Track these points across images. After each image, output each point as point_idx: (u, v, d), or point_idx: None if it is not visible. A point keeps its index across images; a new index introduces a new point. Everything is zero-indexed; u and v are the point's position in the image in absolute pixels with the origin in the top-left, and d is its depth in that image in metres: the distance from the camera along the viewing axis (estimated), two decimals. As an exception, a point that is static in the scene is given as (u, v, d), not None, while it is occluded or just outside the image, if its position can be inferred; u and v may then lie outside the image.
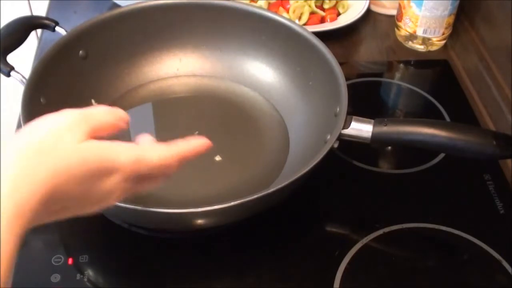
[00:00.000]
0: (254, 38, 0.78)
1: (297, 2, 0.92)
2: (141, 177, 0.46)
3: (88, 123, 0.43)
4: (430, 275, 0.62)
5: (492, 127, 0.79)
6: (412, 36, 0.90)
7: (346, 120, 0.62)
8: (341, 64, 0.68)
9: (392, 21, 0.94)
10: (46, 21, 0.75)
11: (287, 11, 0.92)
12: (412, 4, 0.86)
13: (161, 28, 0.79)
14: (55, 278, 0.60)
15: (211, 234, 0.64)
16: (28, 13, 1.15)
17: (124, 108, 0.76)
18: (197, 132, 0.74)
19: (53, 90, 0.68)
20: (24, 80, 0.66)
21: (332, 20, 0.93)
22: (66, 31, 0.73)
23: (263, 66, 0.79)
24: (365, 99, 0.83)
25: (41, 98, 0.66)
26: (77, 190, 0.41)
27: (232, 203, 0.55)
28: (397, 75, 0.89)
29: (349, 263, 0.62)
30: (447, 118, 0.79)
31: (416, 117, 0.83)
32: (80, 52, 0.73)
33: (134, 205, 0.56)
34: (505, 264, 0.62)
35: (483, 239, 0.64)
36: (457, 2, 0.86)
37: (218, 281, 0.61)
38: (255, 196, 0.56)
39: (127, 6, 0.77)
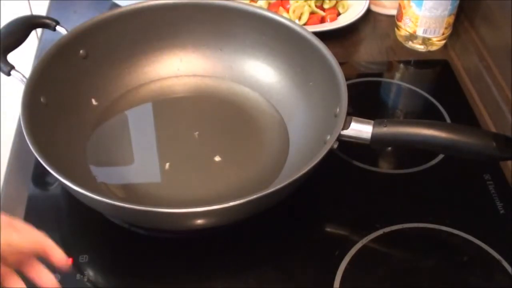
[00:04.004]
0: (254, 38, 0.78)
1: (297, 2, 0.92)
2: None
3: None
4: (430, 275, 0.62)
5: (492, 127, 0.79)
6: (412, 36, 0.90)
7: (346, 120, 0.62)
8: (341, 64, 0.68)
9: (392, 21, 0.94)
10: (47, 21, 0.75)
11: (287, 11, 0.92)
12: (412, 4, 0.86)
13: (162, 28, 0.79)
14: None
15: (211, 234, 0.64)
16: (28, 13, 1.15)
17: (124, 108, 0.77)
18: (197, 132, 0.74)
19: (54, 89, 0.69)
20: (24, 79, 0.66)
21: (332, 20, 0.93)
22: (66, 30, 0.73)
23: (264, 66, 0.79)
24: (365, 99, 0.83)
25: (41, 98, 0.66)
26: None
27: (232, 203, 0.55)
28: (397, 75, 0.89)
29: (349, 263, 0.62)
30: (447, 118, 0.79)
31: (416, 117, 0.83)
32: (81, 51, 0.73)
33: (134, 205, 0.56)
34: (505, 264, 0.62)
35: (483, 239, 0.64)
36: (457, 2, 0.86)
37: (218, 281, 0.61)
38: (255, 196, 0.56)
39: (127, 6, 0.77)
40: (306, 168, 0.58)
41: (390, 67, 0.90)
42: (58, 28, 0.74)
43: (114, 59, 0.77)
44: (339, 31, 0.91)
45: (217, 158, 0.71)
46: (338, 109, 0.64)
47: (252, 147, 0.73)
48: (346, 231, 0.66)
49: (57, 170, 0.57)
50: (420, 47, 0.90)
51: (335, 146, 0.62)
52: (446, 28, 0.88)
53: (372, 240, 0.64)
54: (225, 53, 0.80)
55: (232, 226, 0.63)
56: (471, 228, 0.65)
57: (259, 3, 0.93)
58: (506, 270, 0.62)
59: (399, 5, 0.89)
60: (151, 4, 0.77)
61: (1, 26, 0.72)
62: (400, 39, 0.92)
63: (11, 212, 0.66)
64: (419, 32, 0.88)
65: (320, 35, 0.74)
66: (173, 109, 0.78)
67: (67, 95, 0.71)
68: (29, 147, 0.59)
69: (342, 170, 0.72)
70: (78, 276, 0.60)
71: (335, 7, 0.95)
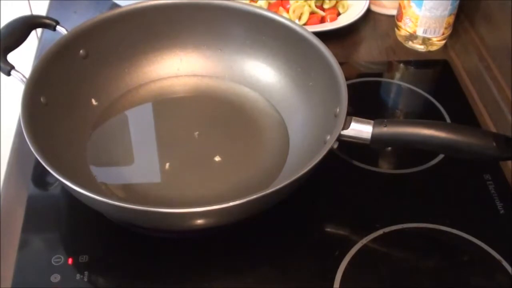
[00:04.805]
0: (254, 38, 0.78)
1: (297, 2, 0.92)
2: None
3: None
4: (430, 275, 0.62)
5: (492, 127, 0.79)
6: (412, 36, 0.90)
7: (346, 120, 0.62)
8: (341, 64, 0.68)
9: (392, 21, 0.94)
10: (47, 21, 0.75)
11: (287, 11, 0.92)
12: (412, 4, 0.86)
13: (162, 28, 0.79)
14: (55, 278, 0.60)
15: (211, 234, 0.64)
16: (28, 13, 1.15)
17: (124, 108, 0.77)
18: (197, 132, 0.74)
19: (54, 89, 0.69)
20: (24, 79, 0.66)
21: (332, 20, 0.93)
22: (66, 30, 0.73)
23: (264, 66, 0.79)
24: (365, 99, 0.83)
25: (41, 98, 0.66)
26: None
27: (232, 203, 0.55)
28: (397, 75, 0.89)
29: (349, 263, 0.62)
30: (447, 118, 0.79)
31: (416, 117, 0.83)
32: (81, 51, 0.73)
33: (134, 205, 0.56)
34: (505, 264, 0.62)
35: (483, 239, 0.64)
36: (457, 2, 0.86)
37: (218, 281, 0.61)
38: (255, 196, 0.56)
39: (127, 6, 0.77)
40: (306, 168, 0.58)
41: (390, 67, 0.90)
42: (58, 28, 0.74)
43: (114, 59, 0.77)
44: (339, 31, 0.91)
45: (217, 158, 0.71)
46: (338, 109, 0.64)
47: (252, 147, 0.73)
48: (346, 231, 0.66)
49: (57, 170, 0.57)
50: (420, 47, 0.90)
51: (335, 146, 0.62)
52: (446, 28, 0.88)
53: (372, 240, 0.64)
54: (225, 53, 0.80)
55: (232, 226, 0.63)
56: (471, 228, 0.65)
57: (259, 3, 0.93)
58: (506, 270, 0.62)
59: (399, 5, 0.90)
60: (151, 4, 0.77)
61: (1, 26, 0.72)
62: (400, 39, 0.92)
63: (11, 212, 0.67)
64: (419, 32, 0.88)
65: (320, 35, 0.74)
66: (173, 109, 0.78)
67: (67, 95, 0.71)
68: (29, 147, 0.59)
69: (342, 170, 0.72)
70: (78, 276, 0.60)
71: (335, 7, 0.95)
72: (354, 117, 0.63)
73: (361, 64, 0.90)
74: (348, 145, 0.63)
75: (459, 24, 0.93)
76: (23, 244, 0.63)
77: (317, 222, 0.67)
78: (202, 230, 0.63)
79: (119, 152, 0.72)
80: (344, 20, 0.93)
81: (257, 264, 0.63)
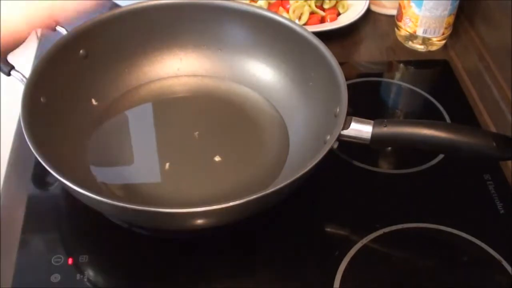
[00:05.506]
0: (254, 38, 0.78)
1: (297, 2, 0.92)
2: None
3: None
4: (430, 275, 0.62)
5: (492, 127, 0.79)
6: (412, 36, 0.90)
7: (346, 120, 0.62)
8: (341, 64, 0.68)
9: (392, 21, 0.94)
10: (47, 21, 0.75)
11: (287, 11, 0.92)
12: (412, 4, 0.86)
13: (161, 28, 0.79)
14: (55, 278, 0.60)
15: (211, 234, 0.64)
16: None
17: (124, 108, 0.77)
18: (197, 132, 0.74)
19: (53, 89, 0.69)
20: (24, 79, 0.66)
21: (332, 20, 0.93)
22: (66, 30, 0.73)
23: (264, 66, 0.79)
24: (365, 99, 0.83)
25: (41, 97, 0.66)
26: None
27: (232, 203, 0.55)
28: (397, 75, 0.89)
29: (349, 263, 0.62)
30: (447, 118, 0.79)
31: (416, 117, 0.83)
32: (81, 51, 0.73)
33: (134, 205, 0.56)
34: (505, 264, 0.62)
35: (483, 239, 0.64)
36: (457, 2, 0.86)
37: (218, 281, 0.61)
38: (254, 196, 0.56)
39: (127, 6, 0.77)
40: (306, 168, 0.58)
41: (390, 67, 0.90)
42: (58, 28, 0.74)
43: (114, 59, 0.77)
44: (339, 31, 0.91)
45: (217, 158, 0.71)
46: (338, 109, 0.64)
47: (252, 147, 0.73)
48: (346, 231, 0.66)
49: (57, 170, 0.57)
50: (420, 47, 0.91)
51: (335, 146, 0.62)
52: (446, 28, 0.88)
53: (372, 240, 0.64)
54: (225, 53, 0.80)
55: (232, 226, 0.63)
56: (471, 228, 0.65)
57: (259, 3, 0.93)
58: (506, 270, 0.62)
59: (399, 5, 0.90)
60: (151, 4, 0.77)
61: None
62: (400, 39, 0.92)
63: (11, 212, 0.67)
64: (419, 32, 0.88)
65: (320, 35, 0.74)
66: (173, 109, 0.78)
67: (67, 95, 0.71)
68: (29, 147, 0.59)
69: (342, 170, 0.72)
70: (78, 276, 0.60)
71: (335, 7, 0.95)
72: (354, 117, 0.63)
73: (361, 64, 0.90)
74: (348, 145, 0.63)
75: (459, 24, 0.93)
76: (23, 244, 0.63)
77: (317, 222, 0.67)
78: (202, 230, 0.63)
79: (119, 152, 0.72)
80: (344, 20, 0.93)
81: (257, 264, 0.63)
